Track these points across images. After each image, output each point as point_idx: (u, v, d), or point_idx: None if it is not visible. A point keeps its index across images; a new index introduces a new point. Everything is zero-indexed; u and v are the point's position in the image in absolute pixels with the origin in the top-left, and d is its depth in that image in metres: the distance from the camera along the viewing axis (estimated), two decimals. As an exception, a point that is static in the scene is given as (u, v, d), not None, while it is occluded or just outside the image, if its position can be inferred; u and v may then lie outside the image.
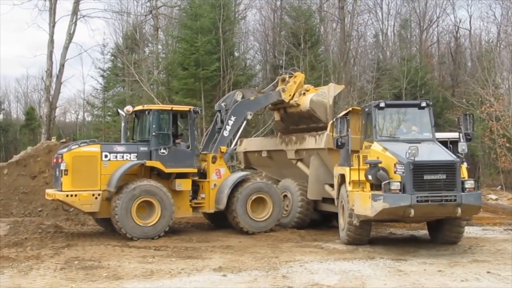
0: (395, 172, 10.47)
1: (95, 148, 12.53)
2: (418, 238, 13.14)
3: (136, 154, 12.80)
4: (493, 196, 23.06)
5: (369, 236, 11.75)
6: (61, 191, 12.21)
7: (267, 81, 26.83)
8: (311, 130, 14.81)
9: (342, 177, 11.88)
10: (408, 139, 11.24)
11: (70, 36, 27.57)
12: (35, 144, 22.16)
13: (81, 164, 12.23)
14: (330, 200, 13.56)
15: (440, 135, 12.99)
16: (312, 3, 33.68)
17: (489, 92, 25.85)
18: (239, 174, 14.07)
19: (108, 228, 13.30)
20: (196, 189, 13.64)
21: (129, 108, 13.68)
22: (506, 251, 11.18)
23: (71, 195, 12.08)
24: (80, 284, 8.18)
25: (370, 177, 10.64)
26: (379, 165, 10.62)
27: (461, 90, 33.96)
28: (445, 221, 11.48)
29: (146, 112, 13.29)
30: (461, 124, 11.51)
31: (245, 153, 17.12)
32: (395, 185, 10.21)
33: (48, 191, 13.17)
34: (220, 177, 13.74)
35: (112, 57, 34.77)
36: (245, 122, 14.77)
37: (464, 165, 10.99)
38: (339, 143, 11.61)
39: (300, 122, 15.65)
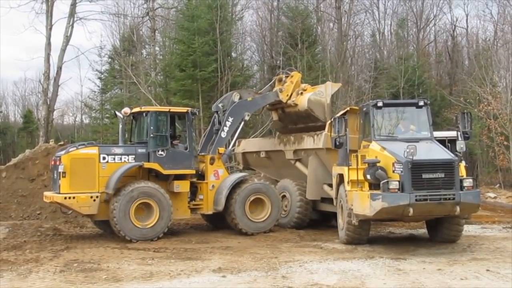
0: (393, 171, 10.48)
1: (93, 150, 12.50)
2: (417, 237, 13.14)
3: (134, 156, 12.77)
4: (492, 194, 23.12)
5: (368, 236, 11.75)
6: (59, 193, 12.19)
7: (265, 81, 26.79)
8: (310, 129, 14.82)
9: (341, 176, 11.87)
10: (406, 138, 11.26)
11: (67, 38, 27.58)
12: (33, 147, 22.05)
13: (79, 166, 12.19)
14: (329, 200, 13.55)
15: (438, 133, 13.02)
16: (309, 3, 33.78)
17: (486, 91, 25.86)
18: (237, 175, 14.04)
19: (107, 230, 13.27)
20: (194, 191, 13.60)
21: (126, 110, 13.65)
22: (505, 249, 11.20)
23: (69, 198, 12.04)
24: (79, 287, 8.17)
25: (368, 176, 10.64)
26: (378, 164, 10.62)
27: (458, 88, 34.04)
28: (444, 219, 11.49)
29: (144, 114, 13.29)
30: (459, 123, 11.50)
31: (244, 153, 17.12)
32: (394, 184, 10.22)
33: (46, 193, 13.15)
34: (218, 178, 13.72)
35: (110, 59, 34.67)
36: (242, 123, 14.75)
37: (463, 164, 11.04)
38: (337, 143, 11.60)
39: (298, 121, 15.66)
